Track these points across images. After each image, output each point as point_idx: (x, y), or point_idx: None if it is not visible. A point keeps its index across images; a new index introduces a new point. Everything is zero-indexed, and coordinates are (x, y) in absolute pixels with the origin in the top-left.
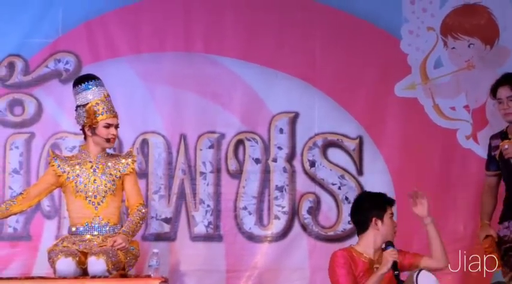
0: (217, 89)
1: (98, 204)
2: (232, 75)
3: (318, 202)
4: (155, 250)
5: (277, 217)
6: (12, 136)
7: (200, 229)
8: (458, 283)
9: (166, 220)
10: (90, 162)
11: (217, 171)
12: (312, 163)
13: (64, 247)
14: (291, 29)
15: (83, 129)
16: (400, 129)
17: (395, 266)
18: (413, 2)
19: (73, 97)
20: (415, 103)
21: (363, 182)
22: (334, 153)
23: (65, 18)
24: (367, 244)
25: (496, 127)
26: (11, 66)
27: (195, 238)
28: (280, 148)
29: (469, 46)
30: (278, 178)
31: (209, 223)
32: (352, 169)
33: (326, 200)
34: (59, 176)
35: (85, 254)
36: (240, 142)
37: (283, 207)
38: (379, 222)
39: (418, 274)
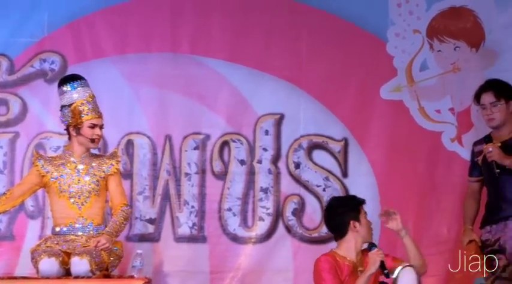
0: (203, 90)
1: (82, 204)
2: (218, 76)
3: (302, 204)
4: (139, 251)
5: (261, 219)
6: None
7: (184, 230)
8: None
9: (151, 221)
10: (74, 162)
11: (202, 172)
12: (297, 165)
13: (47, 247)
14: (277, 31)
15: (67, 129)
16: (385, 132)
17: (383, 265)
18: (399, 4)
19: (58, 97)
20: (400, 105)
21: (347, 184)
22: (319, 155)
23: (50, 17)
24: (348, 248)
25: (481, 130)
26: None
27: (179, 239)
28: (265, 149)
29: (454, 49)
30: (263, 179)
31: (193, 224)
32: (337, 171)
33: (310, 202)
34: (43, 176)
35: (68, 255)
36: (225, 144)
37: (267, 209)
38: (357, 224)
39: (403, 268)
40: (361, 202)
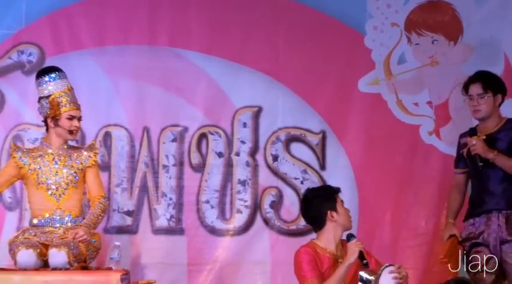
0: (181, 83)
1: (60, 196)
2: (196, 69)
3: (280, 196)
4: (117, 243)
5: (239, 211)
6: None
7: (162, 222)
8: (419, 279)
9: (128, 213)
10: (52, 154)
11: (180, 164)
12: (275, 158)
13: (25, 238)
14: (256, 24)
15: (45, 121)
16: (363, 125)
17: (362, 255)
18: None
19: (36, 89)
20: (378, 98)
21: (325, 177)
22: (297, 148)
23: (28, 9)
24: (328, 239)
25: (459, 123)
26: None
27: (157, 231)
28: (243, 142)
29: (432, 42)
30: (241, 172)
31: (171, 216)
32: (315, 163)
33: (288, 194)
34: (21, 168)
35: (46, 246)
36: (203, 136)
37: (245, 201)
38: (334, 213)
39: (387, 267)
40: (336, 191)
